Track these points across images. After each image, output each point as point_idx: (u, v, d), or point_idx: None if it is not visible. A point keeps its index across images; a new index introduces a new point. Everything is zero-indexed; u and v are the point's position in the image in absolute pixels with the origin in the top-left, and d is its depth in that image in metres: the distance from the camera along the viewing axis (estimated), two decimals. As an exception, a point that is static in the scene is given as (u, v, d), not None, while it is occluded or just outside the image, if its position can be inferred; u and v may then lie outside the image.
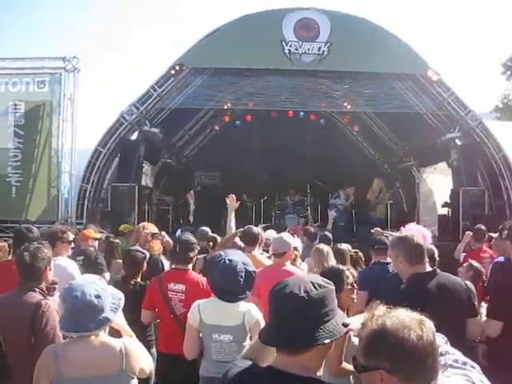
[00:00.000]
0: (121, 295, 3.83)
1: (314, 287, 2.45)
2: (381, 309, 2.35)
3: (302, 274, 2.71)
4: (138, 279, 7.05)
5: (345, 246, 8.67)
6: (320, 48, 16.48)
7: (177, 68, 16.59)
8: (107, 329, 3.76)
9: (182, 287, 6.04)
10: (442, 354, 2.45)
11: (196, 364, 5.27)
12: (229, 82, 17.46)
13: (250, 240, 7.87)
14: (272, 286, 6.28)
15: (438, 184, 20.83)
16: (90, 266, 8.71)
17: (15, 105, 16.54)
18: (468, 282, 5.43)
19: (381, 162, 24.60)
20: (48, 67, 16.69)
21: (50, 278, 4.84)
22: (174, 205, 21.54)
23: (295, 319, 2.39)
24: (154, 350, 6.37)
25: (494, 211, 16.88)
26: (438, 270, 5.13)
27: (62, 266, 6.65)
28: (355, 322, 2.67)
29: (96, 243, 9.69)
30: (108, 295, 3.70)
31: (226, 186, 21.15)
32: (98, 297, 3.59)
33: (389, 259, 7.49)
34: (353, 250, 8.75)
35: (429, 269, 5.02)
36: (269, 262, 7.40)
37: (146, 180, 21.16)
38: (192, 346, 5.22)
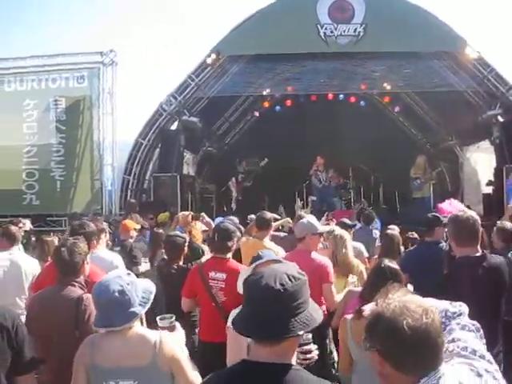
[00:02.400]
0: (152, 288, 3.85)
1: (289, 279, 2.48)
2: (398, 293, 2.36)
3: (286, 264, 2.75)
4: (180, 263, 7.19)
5: (396, 232, 8.58)
6: (356, 29, 16.36)
7: (213, 56, 16.64)
8: (143, 321, 3.83)
9: (222, 276, 6.09)
10: (453, 341, 2.45)
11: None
12: (266, 68, 17.48)
13: (262, 225, 7.95)
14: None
15: (481, 162, 20.49)
16: (124, 257, 8.87)
17: (56, 100, 16.87)
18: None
19: (423, 141, 24.33)
20: (86, 62, 16.98)
21: (87, 271, 4.93)
22: (217, 193, 21.63)
23: (270, 311, 2.42)
24: (196, 335, 6.50)
25: (540, 188, 16.56)
26: (488, 255, 5.09)
27: (107, 259, 6.74)
28: (371, 305, 2.70)
29: (135, 234, 9.83)
30: (137, 289, 3.71)
31: (269, 172, 21.24)
32: (121, 292, 3.62)
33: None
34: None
35: (479, 253, 4.97)
36: (279, 250, 7.43)
37: (188, 169, 21.28)
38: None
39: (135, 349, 3.65)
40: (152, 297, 3.82)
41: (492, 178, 18.15)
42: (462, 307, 2.70)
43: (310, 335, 3.11)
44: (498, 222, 7.68)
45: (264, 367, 2.45)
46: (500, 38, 54.64)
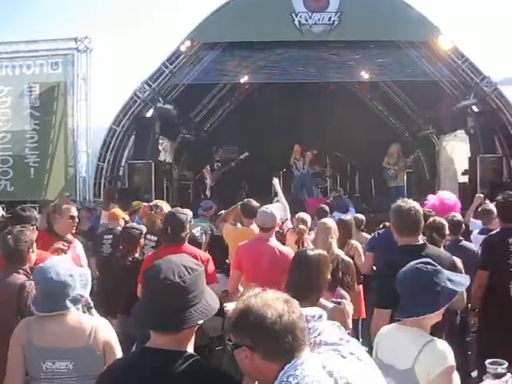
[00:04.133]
0: (87, 271, 4.13)
1: (187, 271, 2.57)
2: (254, 290, 2.48)
3: (181, 255, 2.87)
4: (136, 255, 7.23)
5: (348, 217, 8.69)
6: (330, 18, 16.27)
7: (187, 44, 16.57)
8: (80, 306, 4.04)
9: (177, 261, 6.09)
10: (319, 335, 2.59)
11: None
12: (241, 56, 17.52)
13: (250, 213, 7.93)
14: (250, 261, 6.23)
15: (458, 151, 20.59)
16: (114, 245, 8.91)
17: (30, 87, 16.79)
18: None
19: (401, 130, 24.43)
20: (60, 48, 16.89)
21: (33, 259, 4.97)
22: (195, 180, 21.66)
23: (170, 304, 2.52)
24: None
25: (513, 178, 16.66)
26: (428, 244, 5.16)
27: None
28: (232, 305, 2.81)
29: (122, 222, 9.83)
30: (77, 274, 3.93)
31: (247, 160, 21.24)
32: (70, 276, 3.82)
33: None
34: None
35: (420, 242, 5.06)
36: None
37: (166, 156, 21.31)
38: None
39: (72, 331, 3.80)
40: (89, 278, 4.08)
41: (467, 168, 18.24)
42: (320, 311, 2.84)
43: (506, 364, 2.87)
44: (451, 214, 7.71)
45: (162, 353, 2.55)
46: (473, 27, 54.79)
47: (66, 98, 16.78)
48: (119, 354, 3.89)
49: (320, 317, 2.74)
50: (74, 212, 6.75)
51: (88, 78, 16.83)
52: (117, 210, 10.15)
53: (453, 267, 5.00)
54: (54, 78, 16.86)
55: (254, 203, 8.08)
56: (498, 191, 11.04)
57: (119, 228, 9.44)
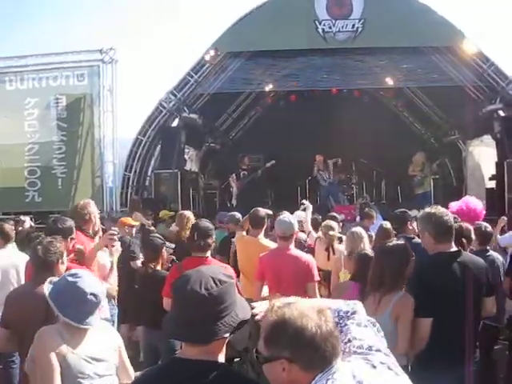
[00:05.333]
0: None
1: (215, 283, 2.54)
2: (281, 300, 2.44)
3: (212, 267, 2.84)
4: (158, 267, 7.23)
5: (389, 225, 8.68)
6: (354, 25, 16.34)
7: (211, 53, 16.70)
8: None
9: (202, 275, 6.11)
10: (349, 341, 2.51)
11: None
12: (265, 64, 17.63)
13: (256, 223, 7.84)
14: (273, 271, 6.25)
15: (485, 157, 20.39)
16: (122, 253, 8.93)
17: (57, 98, 16.98)
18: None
19: (427, 136, 24.28)
20: (86, 60, 17.06)
21: (62, 270, 5.01)
22: (221, 188, 21.70)
23: (196, 316, 2.50)
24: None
25: (541, 184, 16.42)
26: (463, 251, 5.11)
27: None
28: (260, 307, 2.77)
29: (133, 230, 9.89)
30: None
31: (272, 168, 21.21)
32: (101, 292, 4.08)
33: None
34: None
35: (454, 248, 4.99)
36: (274, 246, 7.33)
37: (192, 165, 21.38)
38: None
39: (104, 335, 4.04)
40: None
41: (494, 173, 18.07)
42: (356, 305, 2.76)
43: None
44: (477, 223, 7.68)
45: (192, 363, 2.54)
46: (498, 31, 54.21)
47: (93, 109, 16.95)
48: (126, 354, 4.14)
49: (354, 313, 2.68)
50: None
51: (114, 89, 16.95)
52: (125, 218, 10.22)
53: (487, 274, 5.03)
54: (80, 89, 17.05)
55: (261, 213, 7.89)
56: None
57: (128, 237, 9.48)
